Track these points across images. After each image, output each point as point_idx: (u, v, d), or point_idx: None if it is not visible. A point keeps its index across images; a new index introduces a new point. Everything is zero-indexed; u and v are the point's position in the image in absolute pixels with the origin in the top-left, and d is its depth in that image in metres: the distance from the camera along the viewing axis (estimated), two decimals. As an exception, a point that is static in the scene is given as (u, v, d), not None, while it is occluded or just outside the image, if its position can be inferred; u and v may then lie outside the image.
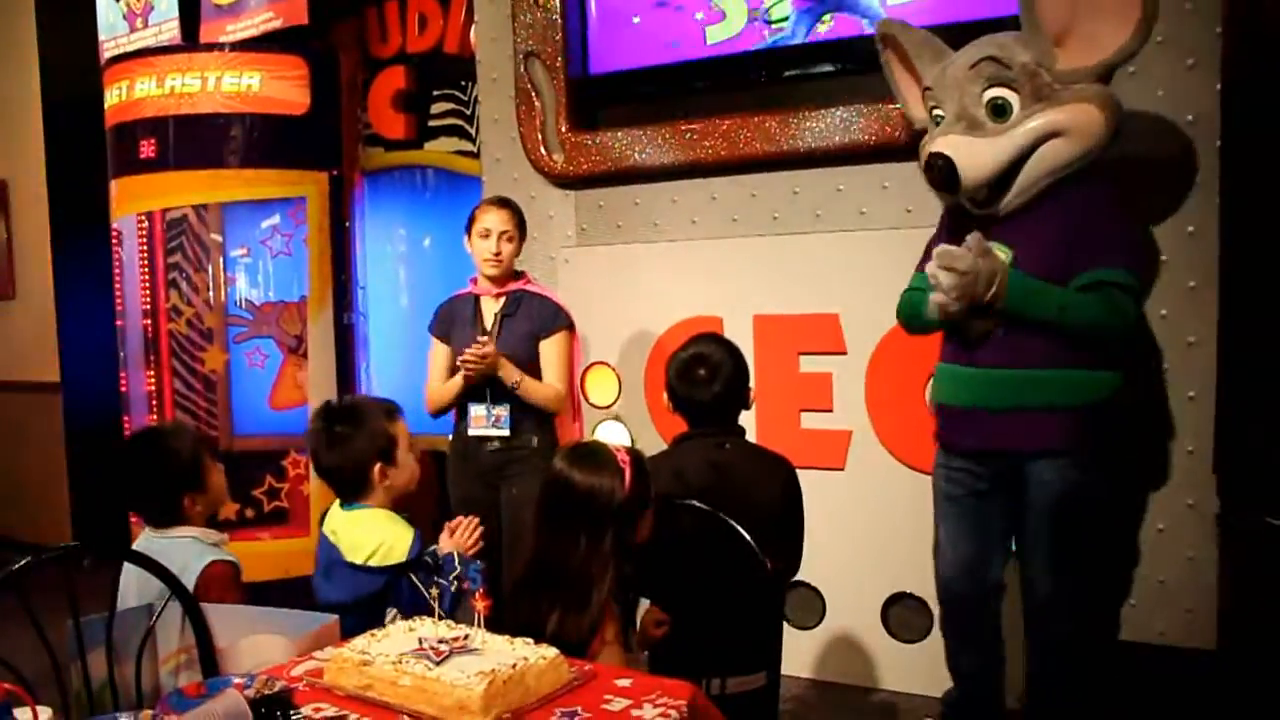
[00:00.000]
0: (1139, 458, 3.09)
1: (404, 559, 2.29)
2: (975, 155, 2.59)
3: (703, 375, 2.53)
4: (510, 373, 3.22)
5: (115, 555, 2.18)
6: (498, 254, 3.29)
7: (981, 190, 2.64)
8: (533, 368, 3.30)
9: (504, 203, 3.39)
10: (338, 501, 2.45)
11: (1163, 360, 3.11)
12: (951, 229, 2.79)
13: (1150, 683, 3.17)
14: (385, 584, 2.29)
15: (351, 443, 2.37)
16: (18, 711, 1.21)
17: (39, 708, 1.27)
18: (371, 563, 2.30)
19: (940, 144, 2.63)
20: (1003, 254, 2.59)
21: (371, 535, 2.33)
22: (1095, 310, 2.55)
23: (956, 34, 2.87)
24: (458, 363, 3.22)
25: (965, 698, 2.95)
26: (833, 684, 3.60)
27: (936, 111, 2.75)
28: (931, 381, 2.91)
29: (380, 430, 2.39)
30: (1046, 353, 2.59)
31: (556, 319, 3.35)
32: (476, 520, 2.41)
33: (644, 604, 2.30)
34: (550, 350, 3.33)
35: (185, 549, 2.35)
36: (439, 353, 3.42)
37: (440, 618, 2.05)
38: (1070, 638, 2.73)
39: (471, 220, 3.35)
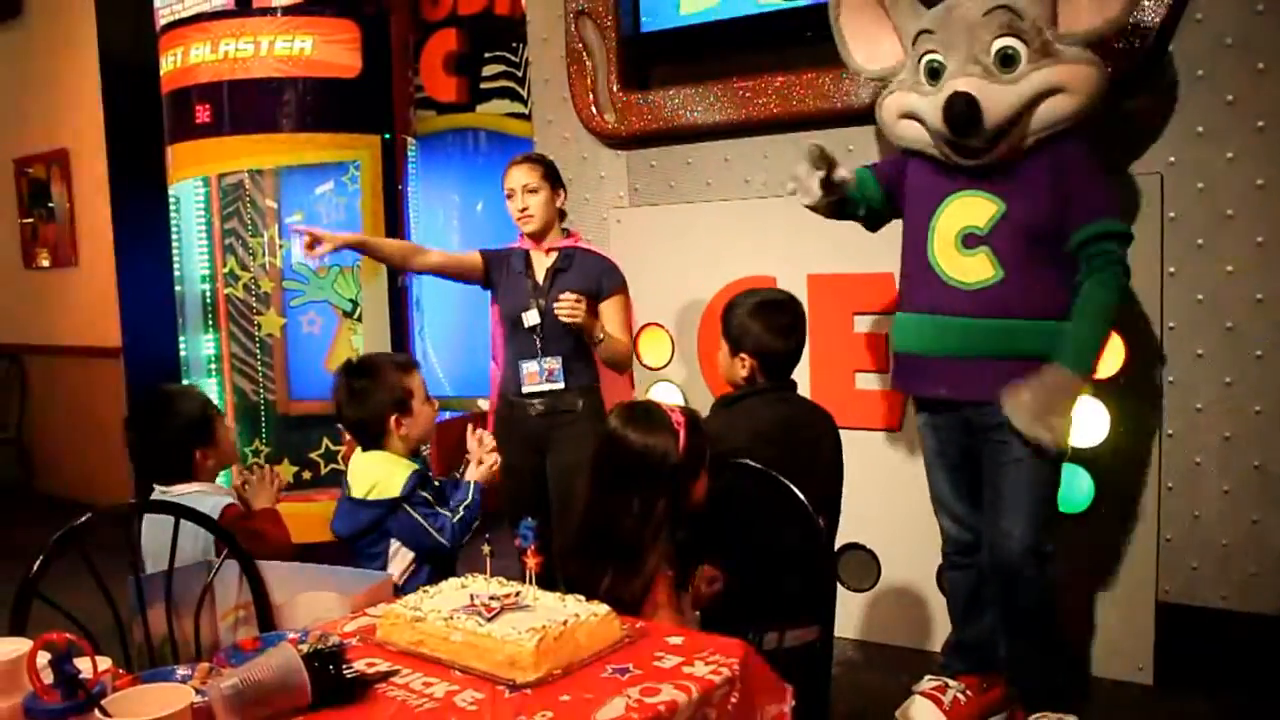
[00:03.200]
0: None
1: (397, 494, 2.47)
2: (993, 98, 2.60)
3: (788, 322, 2.54)
4: (598, 326, 3.20)
5: (164, 510, 2.19)
6: (525, 209, 3.26)
7: (988, 135, 2.64)
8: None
9: (524, 158, 3.38)
10: (359, 449, 2.62)
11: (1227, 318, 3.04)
12: (900, 179, 2.87)
13: (1212, 647, 3.12)
14: (379, 517, 2.49)
15: (369, 395, 2.55)
16: (78, 661, 1.23)
17: (99, 658, 1.28)
18: (370, 497, 2.50)
19: (963, 84, 2.62)
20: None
21: (371, 474, 2.53)
22: (1111, 297, 2.63)
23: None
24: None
25: (968, 640, 3.00)
26: (887, 645, 3.58)
27: (932, 57, 2.73)
28: (893, 330, 2.94)
29: (395, 383, 2.56)
30: (1041, 305, 2.65)
31: (612, 279, 3.30)
32: (486, 436, 2.63)
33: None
34: (610, 312, 3.28)
35: (199, 502, 2.39)
36: (468, 253, 3.43)
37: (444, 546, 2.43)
38: (1040, 591, 2.75)
39: (502, 185, 3.36)
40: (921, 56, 2.76)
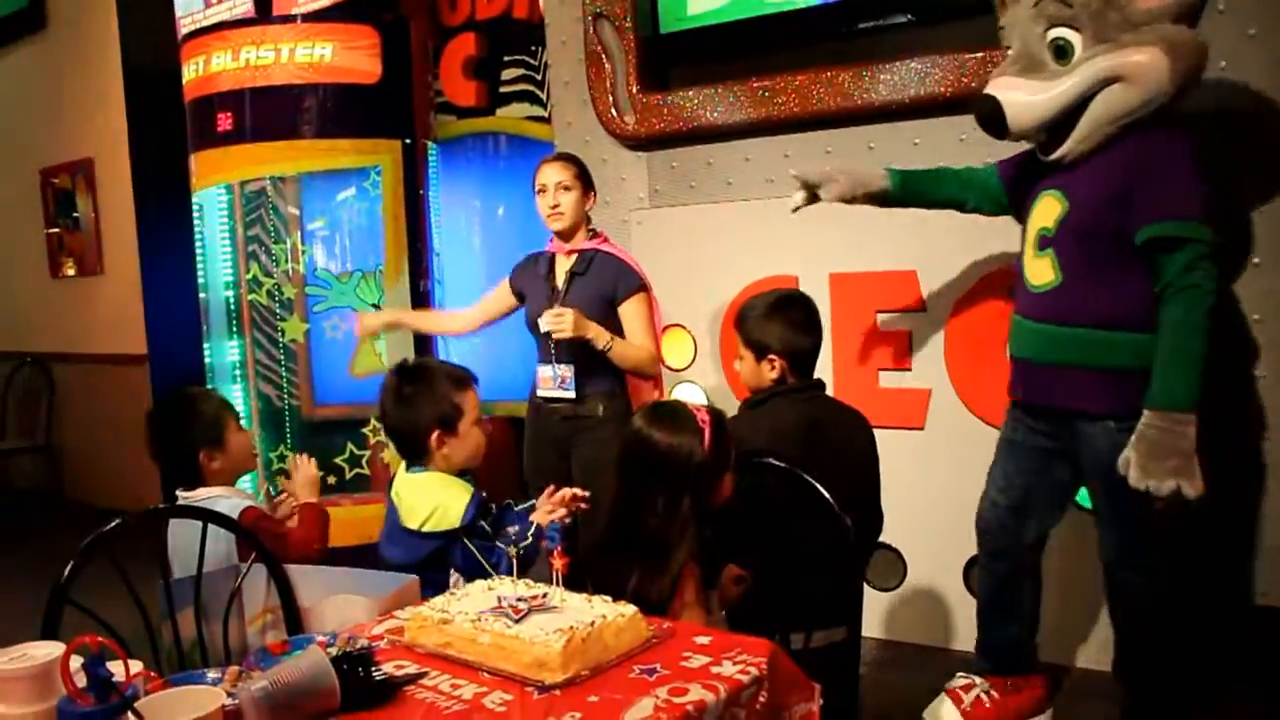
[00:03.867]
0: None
1: (457, 524, 2.30)
2: (1027, 98, 2.51)
3: (806, 317, 2.52)
4: (600, 336, 3.15)
5: (189, 515, 2.20)
6: (556, 206, 3.26)
7: (1039, 134, 2.57)
8: (607, 329, 3.22)
9: (558, 156, 3.40)
10: (404, 464, 2.46)
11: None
12: (1020, 175, 2.77)
13: (1254, 646, 3.08)
14: (439, 549, 2.32)
15: (415, 404, 2.37)
16: (110, 665, 1.24)
17: (130, 661, 1.29)
18: (426, 528, 2.32)
19: (991, 85, 2.56)
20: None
21: (426, 500, 2.34)
22: (1190, 317, 2.39)
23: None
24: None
25: (994, 642, 2.97)
26: (914, 645, 3.57)
27: (1009, 51, 2.66)
28: None
29: (445, 397, 2.38)
30: (1096, 312, 2.53)
31: (629, 281, 3.27)
32: (572, 494, 2.36)
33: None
34: (630, 314, 3.26)
35: (214, 505, 2.36)
36: (497, 288, 3.50)
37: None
38: (1149, 603, 2.68)
39: (533, 181, 3.36)
40: (1005, 51, 2.70)
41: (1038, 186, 2.67)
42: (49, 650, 1.28)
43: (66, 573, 1.87)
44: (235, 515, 2.33)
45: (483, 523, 2.34)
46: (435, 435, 2.36)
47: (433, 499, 2.33)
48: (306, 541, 2.48)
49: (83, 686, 1.21)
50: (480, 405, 2.46)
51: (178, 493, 2.52)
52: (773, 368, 2.50)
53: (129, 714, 1.19)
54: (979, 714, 2.89)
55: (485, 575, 2.24)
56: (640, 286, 3.30)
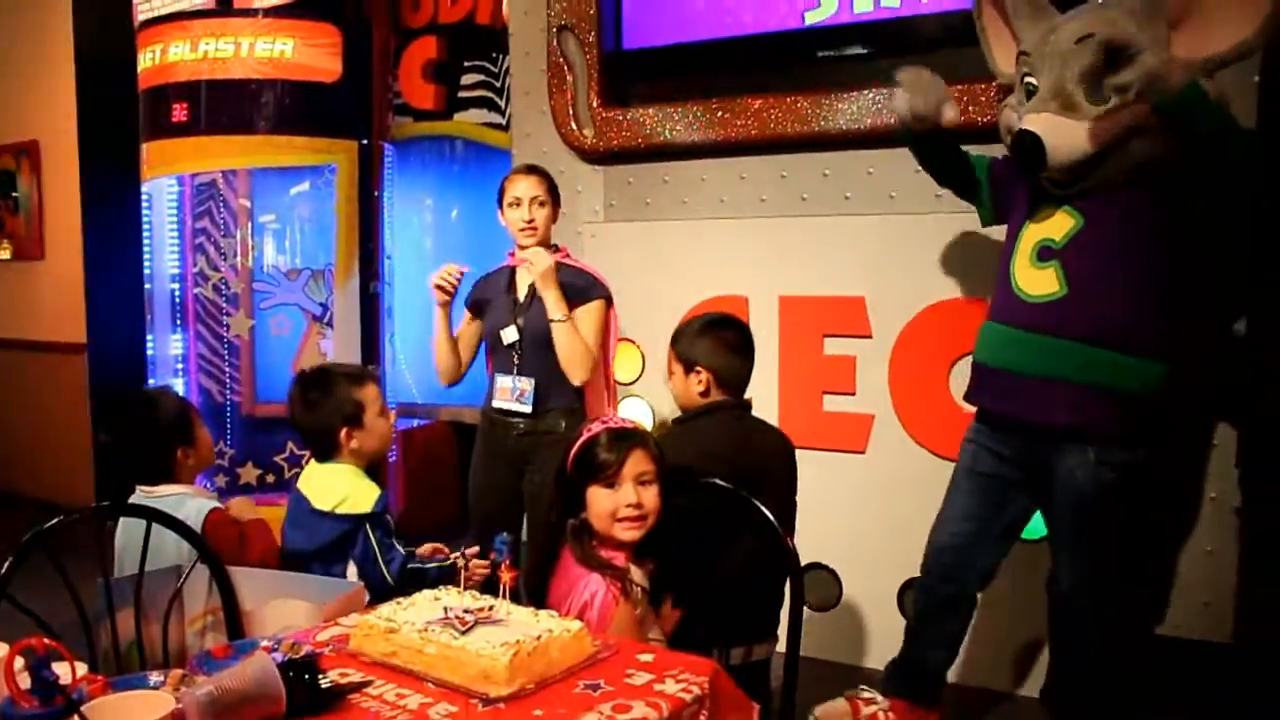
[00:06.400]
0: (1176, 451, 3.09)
1: (368, 510, 2.44)
2: (1064, 137, 2.50)
3: (736, 338, 2.55)
4: (560, 303, 3.10)
5: (137, 514, 2.16)
6: (531, 221, 3.18)
7: (1064, 172, 2.56)
8: None
9: (532, 169, 3.30)
10: (313, 461, 2.60)
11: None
12: (1010, 178, 2.79)
13: (1164, 675, 3.17)
14: (345, 532, 2.44)
15: (320, 407, 2.54)
16: (56, 666, 1.23)
17: (76, 663, 1.29)
18: (339, 510, 2.45)
19: (1031, 121, 2.54)
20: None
21: (339, 486, 2.48)
22: (1229, 130, 2.47)
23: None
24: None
25: (913, 664, 2.98)
26: (844, 665, 3.61)
27: (1029, 79, 2.63)
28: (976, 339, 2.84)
29: (346, 397, 2.54)
30: (1101, 328, 2.54)
31: (592, 289, 3.22)
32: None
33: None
34: (583, 317, 3.18)
35: (181, 505, 2.40)
36: (465, 326, 3.38)
37: (388, 580, 2.37)
38: (1098, 631, 2.72)
39: (502, 191, 3.26)
40: (1022, 77, 2.67)
41: (1037, 199, 2.68)
42: (-7, 649, 1.27)
43: (5, 569, 1.84)
44: (202, 516, 2.39)
45: (388, 516, 2.48)
46: (344, 432, 2.52)
47: (346, 485, 2.48)
48: (267, 551, 2.50)
49: (27, 688, 1.21)
50: (381, 397, 2.64)
51: (139, 489, 2.50)
52: (700, 381, 2.52)
53: (76, 717, 1.18)
54: None
55: (373, 573, 2.39)
56: (602, 296, 3.24)
